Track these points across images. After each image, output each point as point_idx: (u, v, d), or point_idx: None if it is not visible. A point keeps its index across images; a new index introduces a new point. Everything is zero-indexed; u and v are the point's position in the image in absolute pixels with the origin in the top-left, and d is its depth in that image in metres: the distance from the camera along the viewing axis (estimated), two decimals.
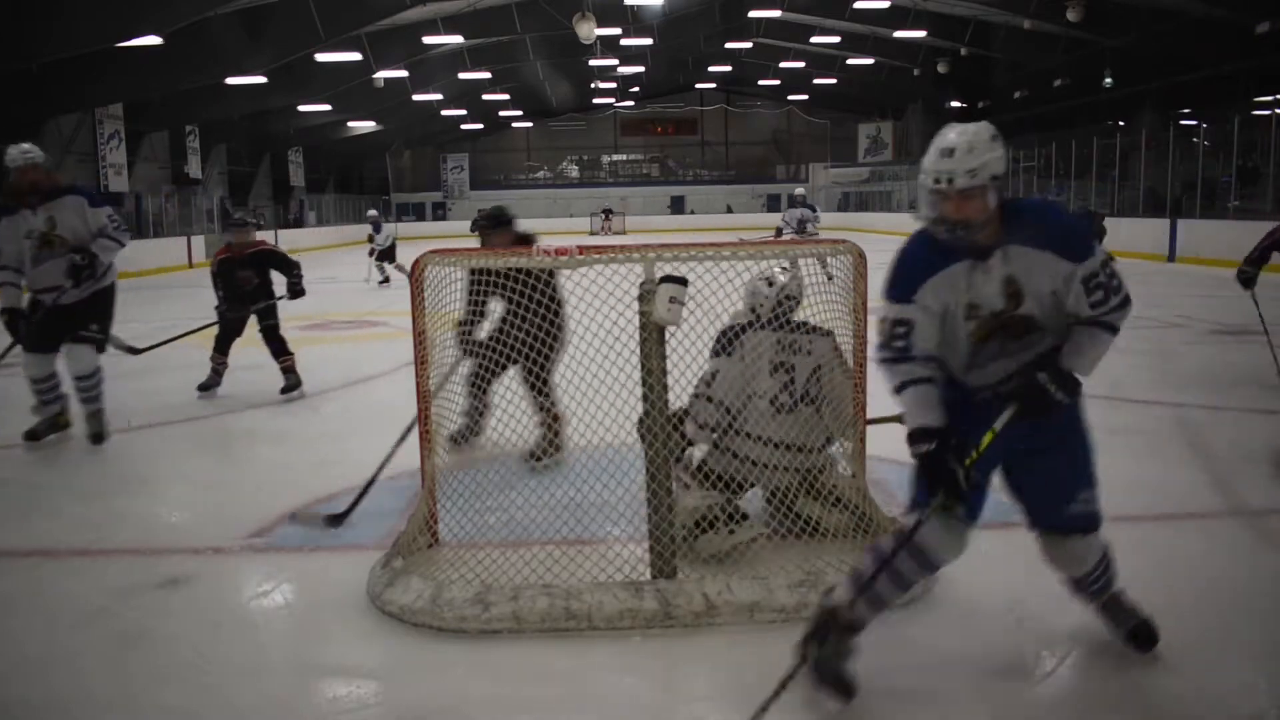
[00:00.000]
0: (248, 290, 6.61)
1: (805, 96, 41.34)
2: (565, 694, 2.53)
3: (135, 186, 23.64)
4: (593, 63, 31.14)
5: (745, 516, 3.34)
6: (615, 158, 47.57)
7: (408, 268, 3.31)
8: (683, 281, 2.98)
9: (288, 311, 7.01)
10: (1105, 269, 2.44)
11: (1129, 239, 18.82)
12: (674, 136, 47.44)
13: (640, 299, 2.98)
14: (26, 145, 4.97)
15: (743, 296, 3.53)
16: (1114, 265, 2.51)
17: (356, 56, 22.52)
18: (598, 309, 3.24)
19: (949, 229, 2.34)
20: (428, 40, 23.66)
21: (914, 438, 2.43)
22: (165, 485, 4.52)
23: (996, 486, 4.06)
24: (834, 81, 36.40)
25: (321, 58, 22.35)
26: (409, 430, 3.57)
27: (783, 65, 35.29)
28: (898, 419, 3.53)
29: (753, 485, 3.51)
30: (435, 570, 3.11)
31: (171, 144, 25.94)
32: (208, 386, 6.56)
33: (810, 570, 3.01)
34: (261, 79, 21.30)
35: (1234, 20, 19.17)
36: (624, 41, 26.89)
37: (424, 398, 3.32)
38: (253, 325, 6.75)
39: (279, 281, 6.76)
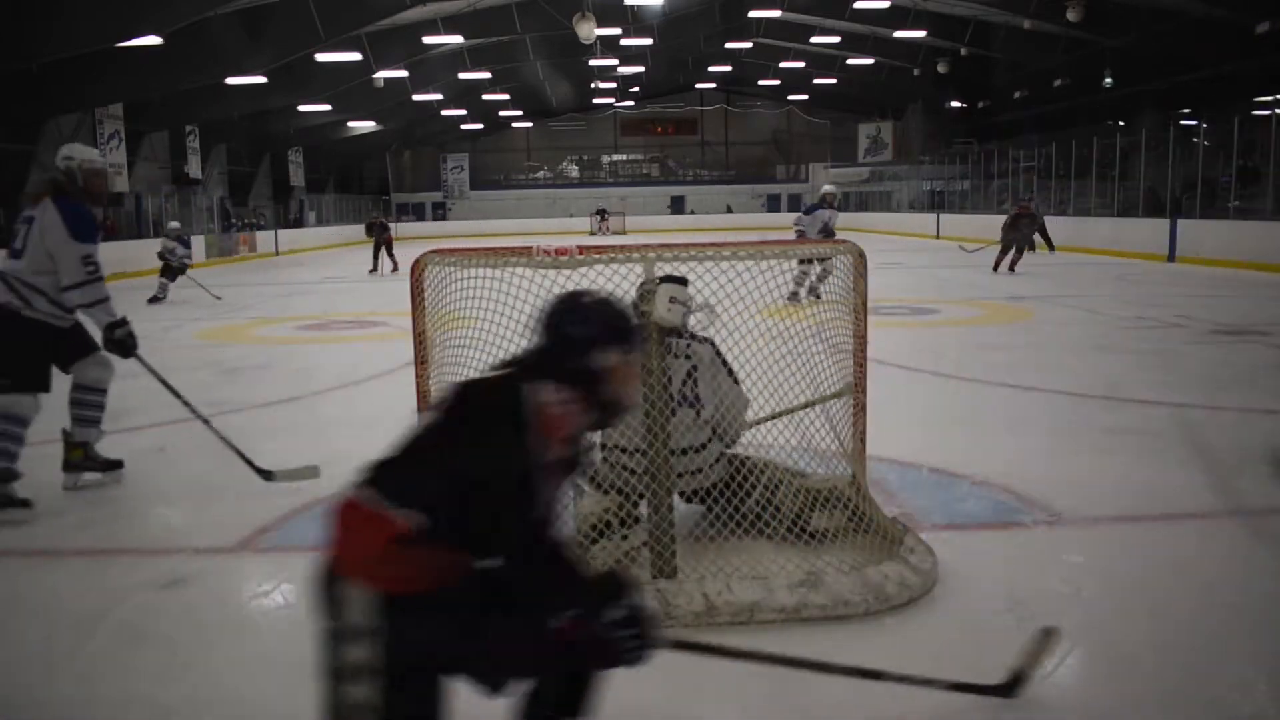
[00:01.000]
0: None
1: (805, 96, 41.35)
2: None
3: (135, 186, 23.65)
4: (593, 63, 31.14)
5: (638, 520, 3.29)
6: (615, 158, 47.58)
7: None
8: (683, 281, 2.98)
9: (287, 312, 7.00)
10: None
11: (1129, 239, 18.83)
12: (674, 136, 47.44)
13: (640, 299, 2.98)
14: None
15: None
16: None
17: (356, 56, 22.53)
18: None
19: None
20: (428, 40, 23.67)
21: None
22: (165, 485, 4.52)
23: (996, 485, 4.07)
24: (834, 81, 36.42)
25: (321, 58, 22.36)
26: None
27: (783, 65, 35.31)
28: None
29: (642, 496, 3.27)
30: None
31: (171, 144, 25.95)
32: None
33: (810, 570, 3.01)
34: (261, 79, 21.31)
35: (1234, 20, 19.18)
36: (624, 41, 26.90)
37: (424, 398, 3.32)
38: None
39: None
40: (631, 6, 24.49)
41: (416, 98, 30.12)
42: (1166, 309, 10.38)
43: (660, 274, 2.99)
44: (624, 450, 3.36)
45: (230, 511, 3.98)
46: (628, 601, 1.85)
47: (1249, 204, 17.56)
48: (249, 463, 3.41)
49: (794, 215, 13.25)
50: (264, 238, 28.75)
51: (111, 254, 19.56)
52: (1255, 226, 15.99)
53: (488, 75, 29.42)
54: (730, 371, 3.49)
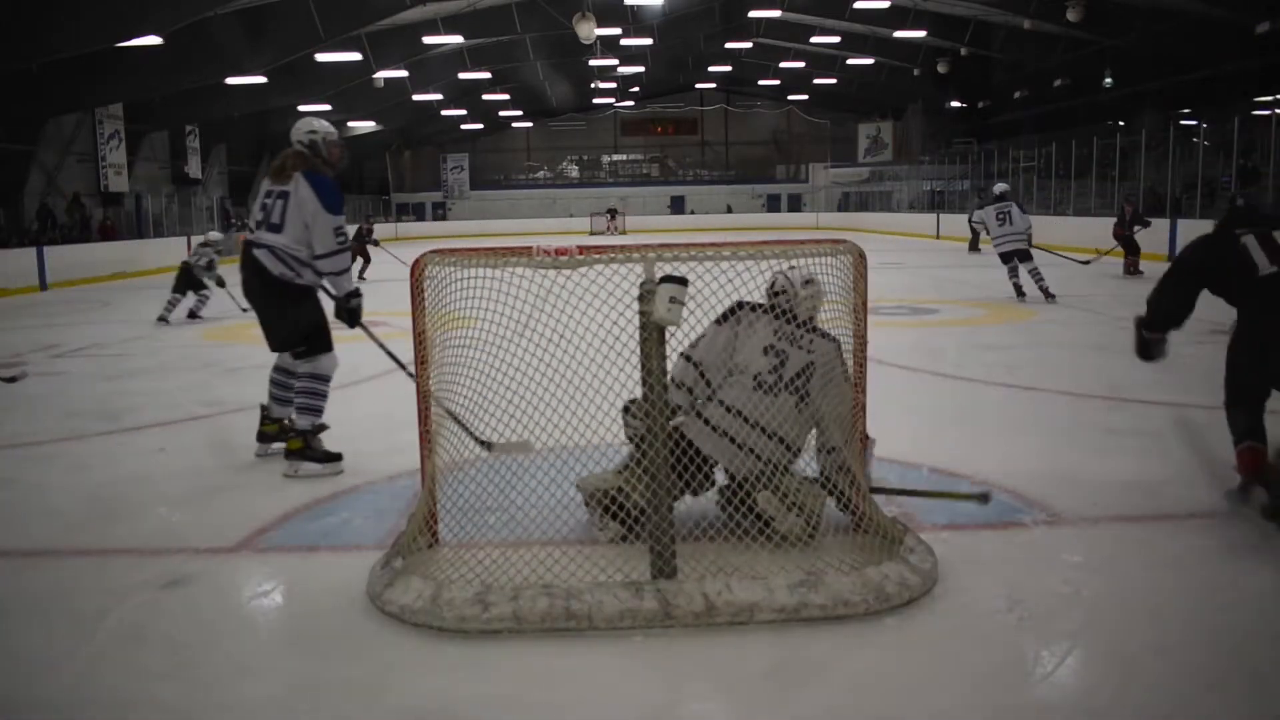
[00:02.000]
0: None
1: (805, 96, 41.38)
2: (565, 694, 2.53)
3: (135, 186, 23.67)
4: (593, 63, 31.16)
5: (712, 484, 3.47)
6: (615, 158, 47.59)
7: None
8: (683, 281, 2.98)
9: None
10: None
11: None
12: (674, 136, 47.45)
13: (640, 299, 2.98)
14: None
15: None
16: None
17: (356, 56, 22.54)
18: (598, 309, 3.24)
19: None
20: (428, 40, 23.69)
21: None
22: (165, 485, 4.52)
23: (996, 485, 4.07)
24: (834, 81, 36.45)
25: (321, 58, 22.38)
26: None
27: (783, 65, 35.33)
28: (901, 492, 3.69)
29: (715, 463, 3.43)
30: (435, 570, 3.11)
31: (171, 144, 25.97)
32: None
33: (810, 570, 3.01)
34: (261, 79, 21.33)
35: (1234, 20, 19.20)
36: (624, 41, 26.92)
37: (424, 398, 3.32)
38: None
39: None
40: (631, 6, 24.51)
41: (416, 98, 30.13)
42: None
43: (660, 274, 2.99)
44: (724, 406, 3.47)
45: (230, 511, 3.98)
46: None
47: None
48: (469, 432, 3.39)
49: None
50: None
51: (112, 254, 19.68)
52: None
53: (488, 75, 29.44)
54: (846, 373, 3.53)
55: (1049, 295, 11.07)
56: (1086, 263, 15.00)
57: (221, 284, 10.95)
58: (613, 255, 3.06)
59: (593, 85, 37.36)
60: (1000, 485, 4.10)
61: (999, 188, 12.18)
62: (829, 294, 3.55)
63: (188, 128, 26.17)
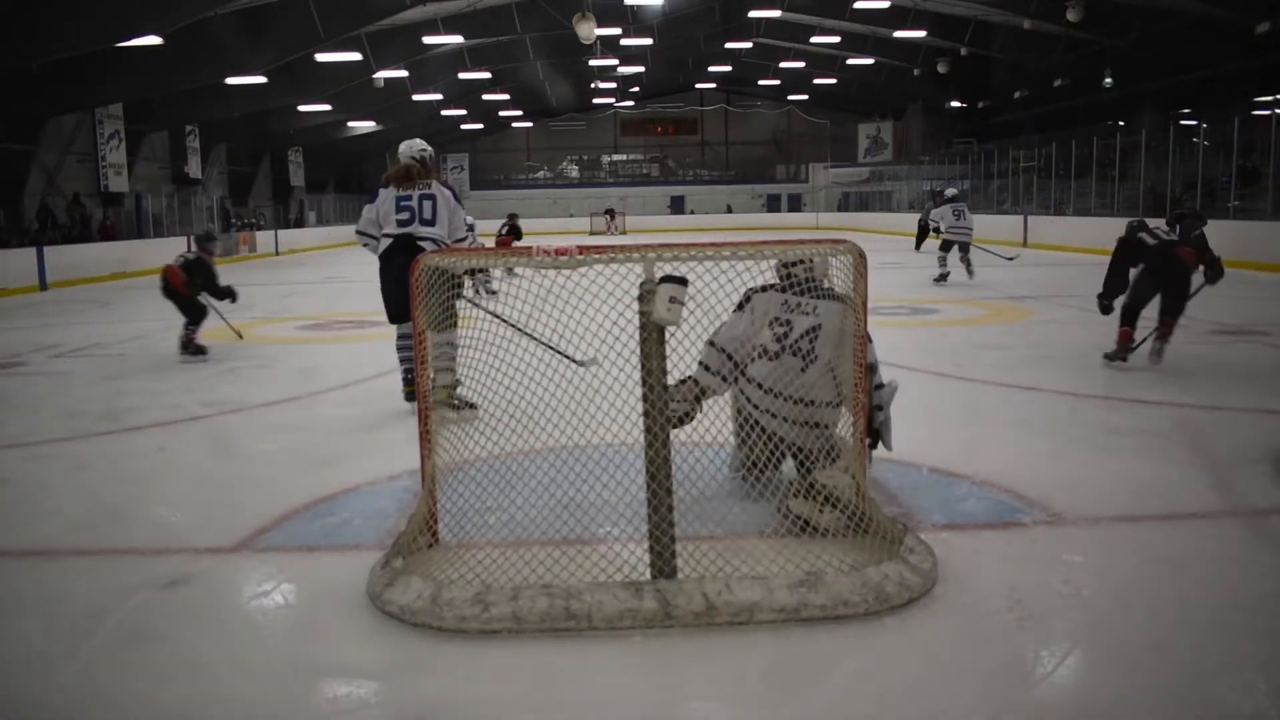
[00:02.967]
0: None
1: (805, 96, 41.40)
2: (565, 694, 2.53)
3: (135, 186, 23.67)
4: (593, 63, 31.17)
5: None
6: (615, 158, 47.60)
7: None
8: (683, 281, 2.98)
9: (287, 312, 7.02)
10: None
11: None
12: (674, 136, 47.46)
13: (640, 299, 2.98)
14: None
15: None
16: None
17: (356, 56, 22.55)
18: (598, 309, 3.24)
19: None
20: (428, 40, 23.69)
21: None
22: (165, 485, 4.52)
23: (996, 485, 4.07)
24: (834, 81, 36.47)
25: (321, 58, 22.38)
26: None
27: (783, 65, 35.35)
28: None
29: (763, 429, 3.73)
30: (435, 570, 3.11)
31: (171, 144, 25.97)
32: None
33: (810, 570, 3.01)
34: (261, 79, 21.33)
35: (1234, 20, 19.21)
36: (624, 41, 26.93)
37: (424, 398, 3.32)
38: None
39: None
40: (631, 6, 24.52)
41: (416, 98, 30.12)
42: None
43: (660, 274, 2.99)
44: (750, 380, 3.80)
45: (230, 511, 3.98)
46: None
47: (1249, 204, 17.56)
48: (561, 353, 3.42)
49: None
50: (264, 238, 28.77)
51: (111, 254, 19.68)
52: (1255, 226, 15.99)
53: (488, 75, 29.46)
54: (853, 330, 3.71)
55: (970, 273, 14.01)
56: (1011, 258, 17.03)
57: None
58: (613, 255, 3.06)
59: (593, 85, 37.37)
60: (1000, 485, 4.10)
61: (951, 191, 15.04)
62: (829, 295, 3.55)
63: (188, 128, 26.17)
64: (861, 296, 3.42)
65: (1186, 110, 22.86)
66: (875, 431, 3.93)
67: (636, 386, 3.05)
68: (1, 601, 3.21)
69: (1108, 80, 25.33)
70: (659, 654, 2.72)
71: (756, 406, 3.78)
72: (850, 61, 32.28)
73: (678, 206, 44.35)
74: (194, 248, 9.18)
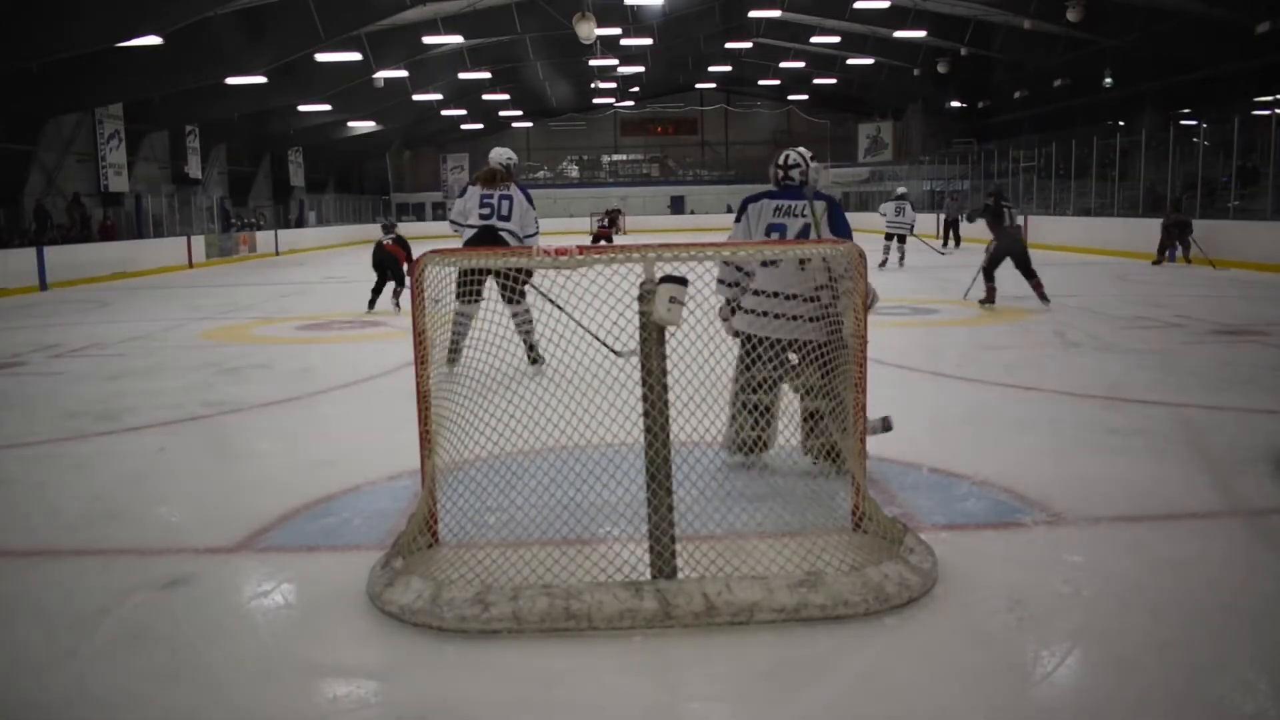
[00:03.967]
0: None
1: (805, 96, 41.39)
2: (565, 694, 2.53)
3: (135, 186, 23.66)
4: (593, 63, 31.17)
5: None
6: (615, 158, 47.59)
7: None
8: (683, 281, 2.98)
9: (287, 312, 7.02)
10: None
11: (1129, 239, 18.84)
12: (674, 136, 47.46)
13: (640, 299, 2.98)
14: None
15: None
16: None
17: (356, 56, 22.54)
18: (598, 309, 3.24)
19: None
20: (428, 40, 23.68)
21: None
22: (165, 485, 4.52)
23: (996, 485, 4.07)
24: (834, 81, 36.46)
25: (321, 58, 22.38)
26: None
27: (783, 65, 35.34)
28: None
29: (760, 338, 4.09)
30: (435, 570, 3.11)
31: (171, 144, 25.96)
32: None
33: (810, 570, 3.01)
34: (261, 79, 21.33)
35: (1234, 20, 19.20)
36: (624, 41, 26.92)
37: (424, 398, 3.32)
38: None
39: None
40: (631, 6, 24.51)
41: (416, 98, 30.14)
42: (1166, 309, 10.38)
43: (660, 274, 2.99)
44: (753, 292, 4.16)
45: (230, 511, 3.98)
46: None
47: (1249, 204, 17.57)
48: (603, 343, 3.48)
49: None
50: (264, 238, 28.77)
51: (111, 254, 19.68)
52: (1255, 226, 16.00)
53: (488, 75, 29.45)
54: (843, 222, 4.23)
55: (902, 264, 17.02)
56: (943, 252, 19.78)
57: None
58: (613, 255, 3.06)
59: (593, 85, 37.37)
60: (1000, 485, 4.11)
61: (900, 189, 18.43)
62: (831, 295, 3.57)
63: (188, 128, 26.17)
64: (862, 296, 3.42)
65: (1186, 110, 22.86)
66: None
67: (637, 386, 3.05)
68: (2, 601, 3.21)
69: (1108, 80, 25.32)
70: (659, 654, 2.72)
71: (765, 314, 4.11)
72: (850, 61, 32.27)
73: (678, 206, 44.36)
74: (393, 230, 11.79)
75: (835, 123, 43.78)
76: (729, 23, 29.19)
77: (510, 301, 6.24)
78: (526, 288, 5.81)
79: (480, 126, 40.32)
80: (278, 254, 28.65)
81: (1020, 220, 13.52)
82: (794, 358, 4.13)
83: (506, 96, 35.16)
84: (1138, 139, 20.86)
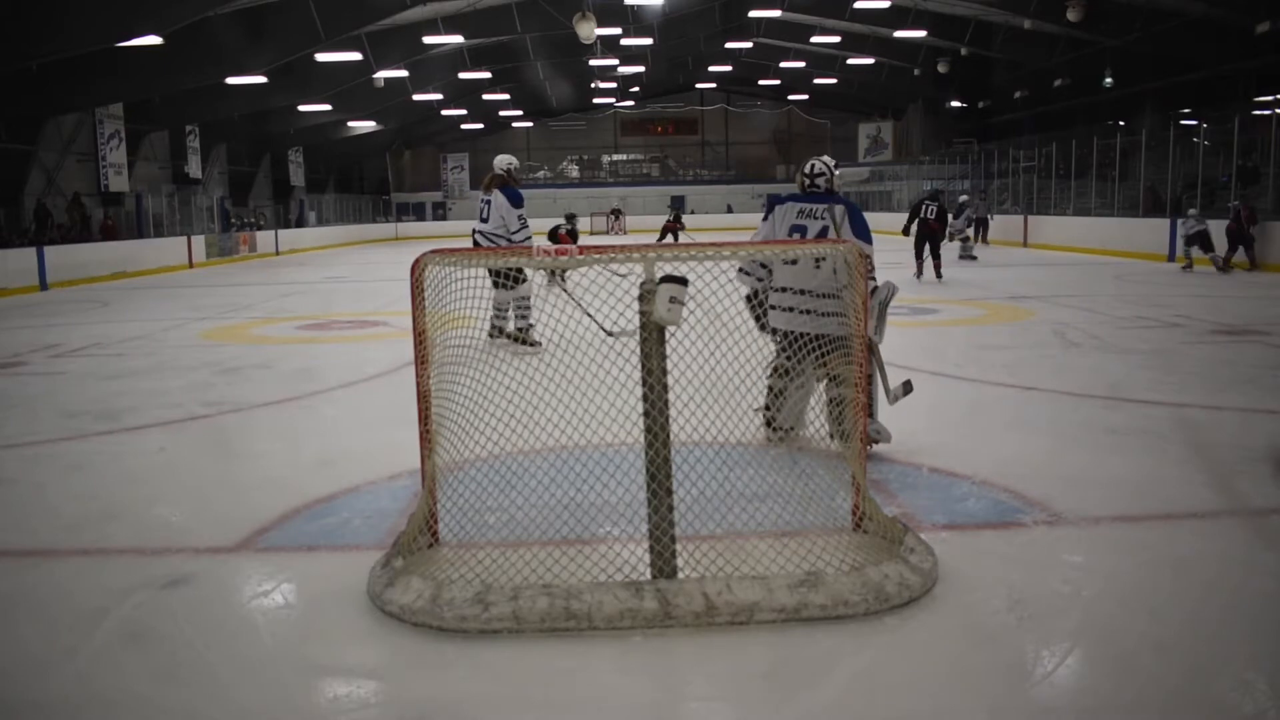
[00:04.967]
0: None
1: (805, 96, 41.35)
2: (565, 694, 2.53)
3: (135, 186, 23.65)
4: (593, 63, 31.15)
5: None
6: (615, 158, 47.58)
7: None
8: (683, 281, 2.98)
9: (287, 312, 7.02)
10: None
11: (1129, 239, 18.84)
12: (674, 136, 47.43)
13: (640, 299, 2.98)
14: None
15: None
16: None
17: (356, 56, 22.53)
18: (598, 309, 3.24)
19: None
20: (428, 40, 23.67)
21: None
22: (165, 485, 4.52)
23: (996, 485, 4.07)
24: (834, 81, 36.42)
25: (321, 58, 22.36)
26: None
27: (783, 65, 35.31)
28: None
29: (787, 331, 4.32)
30: (435, 570, 3.11)
31: (171, 144, 25.95)
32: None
33: (810, 570, 3.01)
34: (261, 79, 21.31)
35: (1234, 20, 19.20)
36: (624, 41, 26.90)
37: (424, 398, 3.32)
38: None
39: None
40: (631, 6, 24.49)
41: (416, 98, 30.12)
42: (1166, 309, 10.38)
43: (660, 274, 2.99)
44: (775, 288, 4.44)
45: (230, 511, 3.98)
46: None
47: (1249, 204, 17.54)
48: (597, 323, 3.54)
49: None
50: (264, 237, 28.77)
51: (111, 254, 19.68)
52: (1255, 226, 15.96)
53: (488, 75, 29.43)
54: (862, 225, 4.51)
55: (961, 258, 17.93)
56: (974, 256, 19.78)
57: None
58: (613, 255, 3.06)
59: (593, 85, 37.34)
60: (1000, 485, 4.11)
61: (963, 197, 19.56)
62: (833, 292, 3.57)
63: (188, 128, 26.15)
64: (862, 296, 3.42)
65: (1186, 110, 22.83)
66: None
67: (637, 386, 3.05)
68: (1, 601, 3.21)
69: (1108, 80, 25.30)
70: (659, 654, 2.72)
71: (792, 309, 4.39)
72: (850, 61, 32.24)
73: (678, 206, 44.34)
74: (571, 223, 13.87)
75: (835, 123, 43.76)
76: (729, 23, 29.17)
77: (499, 287, 7.36)
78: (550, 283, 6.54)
79: (480, 126, 40.29)
80: (278, 254, 28.64)
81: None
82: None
83: (506, 96, 35.15)
84: (1138, 139, 20.85)
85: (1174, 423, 5.26)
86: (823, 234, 4.49)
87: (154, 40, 16.63)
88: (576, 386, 3.32)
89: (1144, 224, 19.10)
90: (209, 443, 5.50)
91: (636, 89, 41.01)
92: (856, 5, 23.83)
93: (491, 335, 7.62)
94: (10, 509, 4.21)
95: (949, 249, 16.29)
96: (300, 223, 34.89)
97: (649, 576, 3.01)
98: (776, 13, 26.56)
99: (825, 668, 2.63)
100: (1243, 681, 2.54)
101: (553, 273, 6.44)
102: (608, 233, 36.14)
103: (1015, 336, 8.81)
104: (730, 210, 42.76)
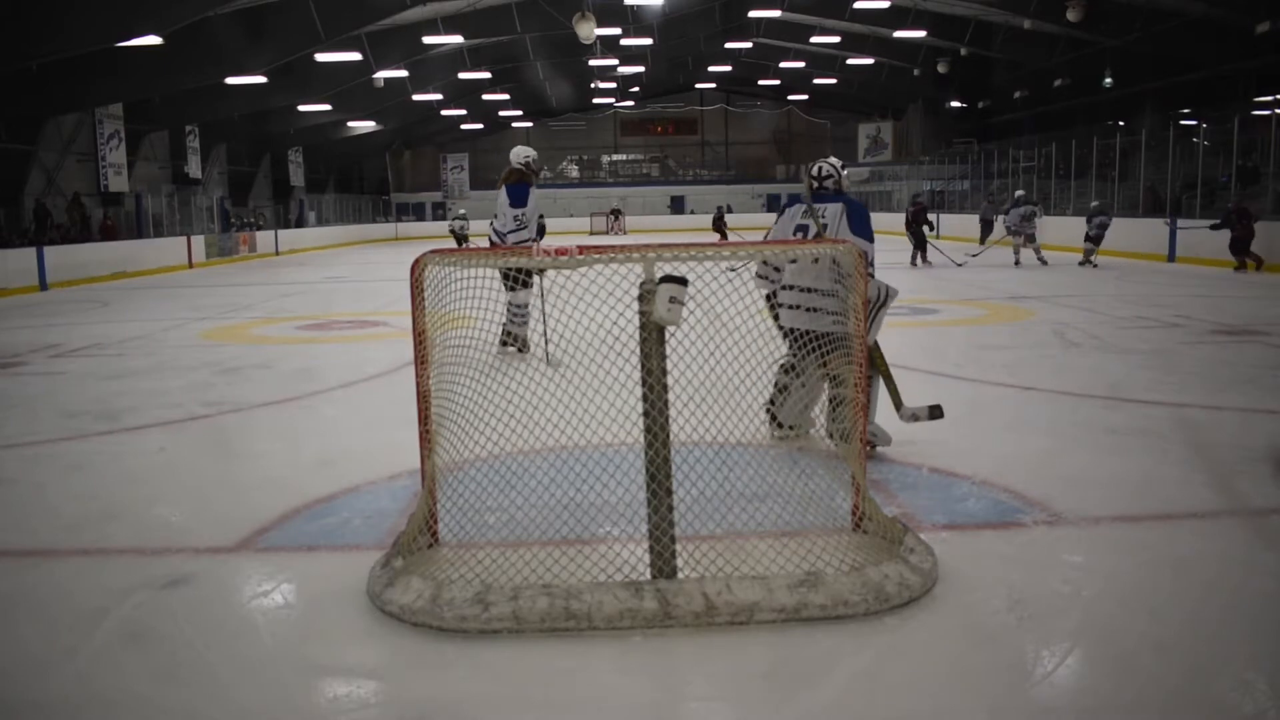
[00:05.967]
0: None
1: (805, 96, 41.36)
2: (565, 694, 2.53)
3: (135, 186, 23.64)
4: (593, 63, 31.15)
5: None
6: (615, 158, 47.59)
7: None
8: (683, 281, 2.98)
9: (287, 312, 7.02)
10: None
11: (1129, 239, 18.83)
12: (674, 136, 47.44)
13: (640, 299, 2.98)
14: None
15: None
16: None
17: (356, 56, 22.53)
18: (598, 309, 3.24)
19: None
20: (428, 40, 23.67)
21: None
22: (165, 485, 4.52)
23: (996, 485, 4.07)
24: (834, 81, 36.43)
25: (321, 58, 22.36)
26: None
27: (783, 65, 35.32)
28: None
29: (791, 328, 4.44)
30: (435, 570, 3.11)
31: (171, 144, 25.94)
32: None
33: (810, 570, 3.01)
34: (261, 79, 21.31)
35: (1234, 20, 19.20)
36: (624, 41, 26.91)
37: (424, 398, 3.32)
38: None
39: None
40: (631, 6, 24.50)
41: (416, 98, 30.12)
42: (1166, 309, 10.38)
43: (660, 274, 2.99)
44: (785, 287, 4.55)
45: (230, 511, 3.98)
46: None
47: (1249, 204, 17.55)
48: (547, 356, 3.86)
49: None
50: (264, 237, 28.77)
51: (111, 254, 19.68)
52: (1255, 226, 15.96)
53: (488, 75, 29.43)
54: (861, 222, 4.61)
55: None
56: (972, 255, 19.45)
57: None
58: (613, 255, 3.06)
59: (593, 85, 37.35)
60: (1000, 485, 4.11)
61: (1019, 193, 18.52)
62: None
63: (188, 128, 26.14)
64: (861, 296, 3.42)
65: (1186, 110, 22.84)
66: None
67: (636, 386, 3.05)
68: (2, 601, 3.21)
69: (1108, 80, 25.31)
70: (659, 654, 2.72)
71: (795, 306, 4.51)
72: (850, 61, 32.25)
73: (678, 206, 44.34)
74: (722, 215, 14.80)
75: (835, 123, 43.76)
76: (729, 23, 29.18)
77: (509, 290, 6.79)
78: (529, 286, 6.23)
79: (480, 126, 40.30)
80: (278, 254, 28.64)
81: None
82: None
83: (506, 96, 35.15)
84: (1138, 139, 20.86)
85: (1174, 423, 5.26)
86: (822, 232, 4.63)
87: (154, 40, 16.63)
88: (576, 386, 3.32)
89: (1144, 224, 19.09)
90: (209, 443, 5.50)
91: (636, 89, 41.02)
92: (856, 5, 23.83)
93: (503, 342, 7.30)
94: (10, 509, 4.21)
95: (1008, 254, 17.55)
96: (300, 223, 34.88)
97: (649, 576, 3.01)
98: (776, 13, 26.57)
99: (825, 668, 2.63)
100: (1243, 681, 2.54)
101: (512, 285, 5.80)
102: (607, 233, 36.13)
103: (1015, 336, 8.81)
104: (730, 210, 42.71)
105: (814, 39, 28.59)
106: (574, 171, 47.14)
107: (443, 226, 40.15)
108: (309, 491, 4.21)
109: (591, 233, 36.05)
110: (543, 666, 2.65)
